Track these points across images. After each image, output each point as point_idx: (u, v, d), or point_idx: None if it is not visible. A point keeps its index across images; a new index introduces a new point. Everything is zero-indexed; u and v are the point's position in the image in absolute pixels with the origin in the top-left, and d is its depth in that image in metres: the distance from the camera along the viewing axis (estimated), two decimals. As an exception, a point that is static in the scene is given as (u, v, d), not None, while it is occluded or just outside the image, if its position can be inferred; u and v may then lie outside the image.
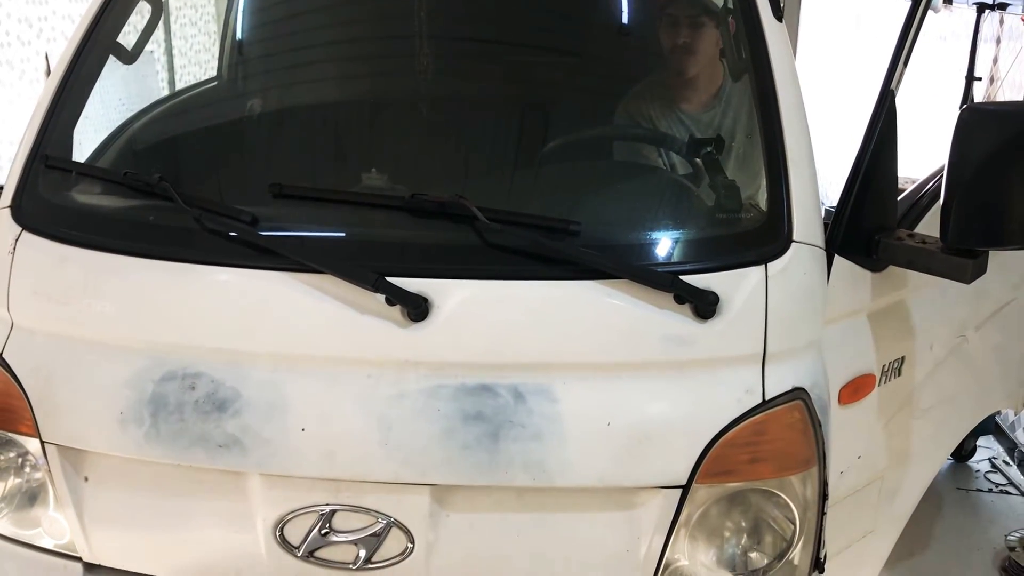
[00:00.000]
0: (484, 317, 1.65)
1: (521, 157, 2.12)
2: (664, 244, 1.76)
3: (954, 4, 4.95)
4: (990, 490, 3.72)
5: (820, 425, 1.70)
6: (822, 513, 1.72)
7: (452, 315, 1.64)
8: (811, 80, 3.11)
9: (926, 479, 2.35)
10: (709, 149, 2.04)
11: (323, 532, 1.67)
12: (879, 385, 2.01)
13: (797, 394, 1.68)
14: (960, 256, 1.74)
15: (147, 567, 1.77)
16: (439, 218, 1.73)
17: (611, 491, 1.65)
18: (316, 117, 2.31)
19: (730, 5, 2.22)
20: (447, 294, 1.65)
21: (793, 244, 1.70)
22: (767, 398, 1.65)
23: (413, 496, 1.64)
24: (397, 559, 1.67)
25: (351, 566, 1.67)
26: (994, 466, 3.89)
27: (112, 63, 2.19)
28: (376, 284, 1.61)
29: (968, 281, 1.77)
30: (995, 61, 4.51)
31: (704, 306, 1.62)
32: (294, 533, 1.67)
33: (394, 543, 1.66)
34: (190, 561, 1.74)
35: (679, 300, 1.63)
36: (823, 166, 1.89)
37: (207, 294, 1.72)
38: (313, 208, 1.84)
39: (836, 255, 1.79)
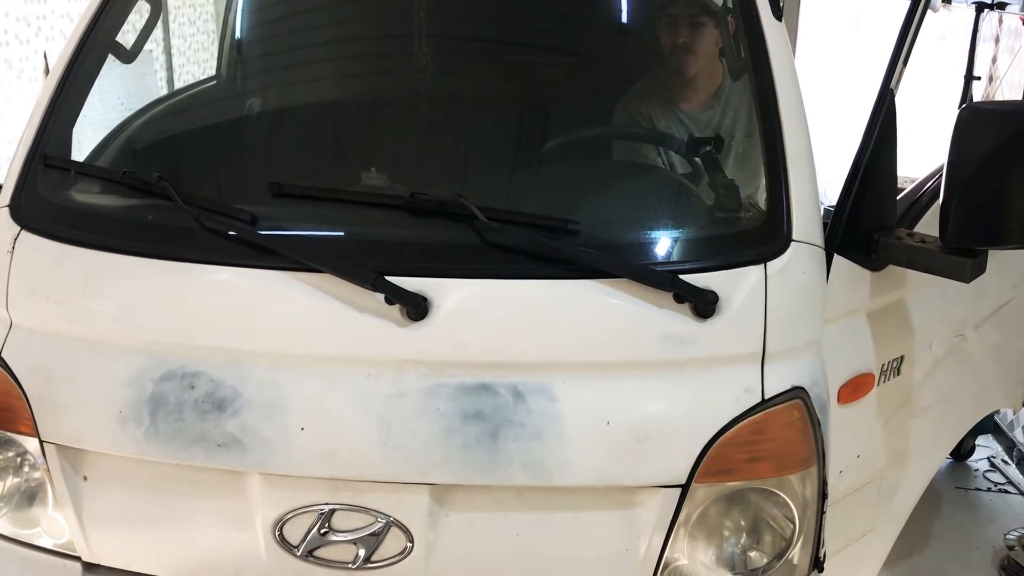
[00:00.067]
0: (483, 316, 1.65)
1: (520, 156, 2.12)
2: (663, 243, 1.76)
3: (953, 3, 4.95)
4: (989, 489, 3.72)
5: (819, 424, 1.70)
6: (821, 512, 1.73)
7: (451, 314, 1.64)
8: (810, 79, 3.11)
9: (925, 478, 2.35)
10: (708, 148, 2.04)
11: (322, 531, 1.67)
12: (878, 384, 2.01)
13: (796, 393, 1.68)
14: (959, 255, 1.74)
15: (146, 566, 1.77)
16: (438, 217, 1.73)
17: (610, 490, 1.65)
18: (315, 116, 2.31)
19: (729, 4, 2.22)
20: (446, 293, 1.65)
21: (792, 243, 1.70)
22: (766, 397, 1.65)
23: (412, 495, 1.64)
24: (396, 558, 1.67)
25: (350, 565, 1.67)
26: (993, 465, 3.89)
27: (111, 62, 2.19)
28: (375, 283, 1.61)
29: (967, 280, 1.77)
30: (994, 60, 4.51)
31: (703, 305, 1.62)
32: (293, 532, 1.67)
33: (393, 542, 1.66)
34: (189, 560, 1.74)
35: (678, 299, 1.63)
36: (822, 165, 1.89)
37: (206, 293, 1.72)
38: (312, 207, 1.84)
39: (835, 254, 1.79)
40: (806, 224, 1.73)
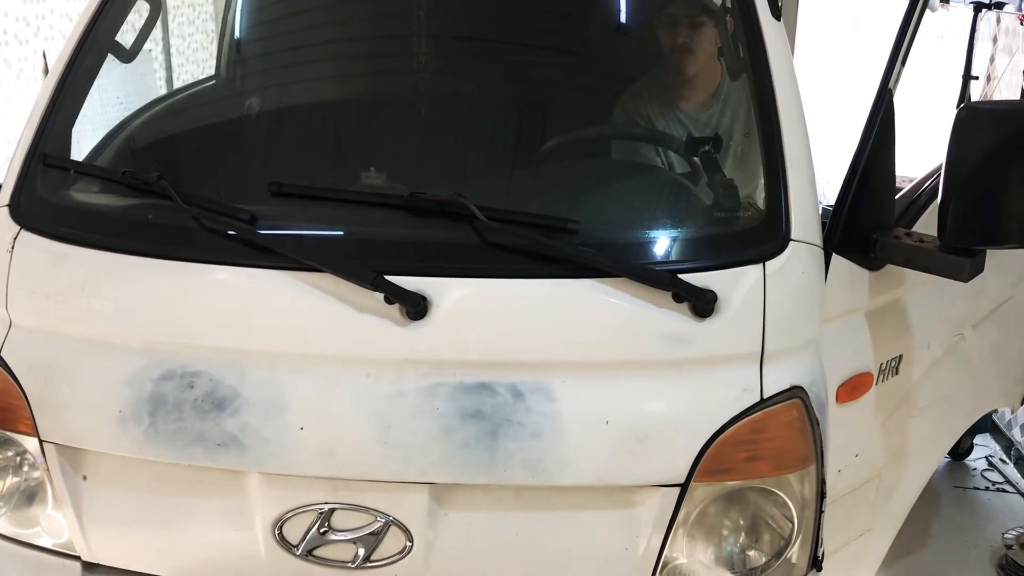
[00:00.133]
0: (483, 315, 1.65)
1: (520, 156, 2.12)
2: (662, 243, 1.77)
3: (951, 3, 4.95)
4: (987, 488, 3.73)
5: (818, 423, 1.71)
6: (820, 511, 1.73)
7: (451, 313, 1.64)
8: (809, 79, 3.11)
9: (923, 477, 2.35)
10: (707, 148, 2.05)
11: (322, 531, 1.67)
12: (877, 383, 2.01)
13: (795, 392, 1.68)
14: (957, 255, 1.74)
15: (146, 566, 1.77)
16: (438, 217, 1.73)
17: (609, 489, 1.65)
18: (315, 116, 2.31)
19: (728, 4, 2.22)
20: (446, 292, 1.65)
21: (791, 243, 1.71)
22: (765, 396, 1.65)
23: (412, 495, 1.65)
24: (396, 558, 1.67)
25: (350, 565, 1.68)
26: (991, 464, 3.89)
27: (110, 62, 2.19)
28: (375, 283, 1.62)
29: (966, 280, 1.77)
30: (992, 60, 4.51)
31: (702, 304, 1.62)
32: (293, 532, 1.67)
33: (393, 542, 1.66)
34: (189, 560, 1.74)
35: (677, 299, 1.63)
36: (821, 165, 1.89)
37: (206, 293, 1.72)
38: (312, 207, 1.84)
39: (834, 254, 1.79)
40: (805, 224, 1.73)
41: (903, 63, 1.81)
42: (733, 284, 1.65)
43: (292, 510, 1.67)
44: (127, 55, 2.33)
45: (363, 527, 1.66)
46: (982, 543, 3.34)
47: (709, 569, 1.69)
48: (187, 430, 1.67)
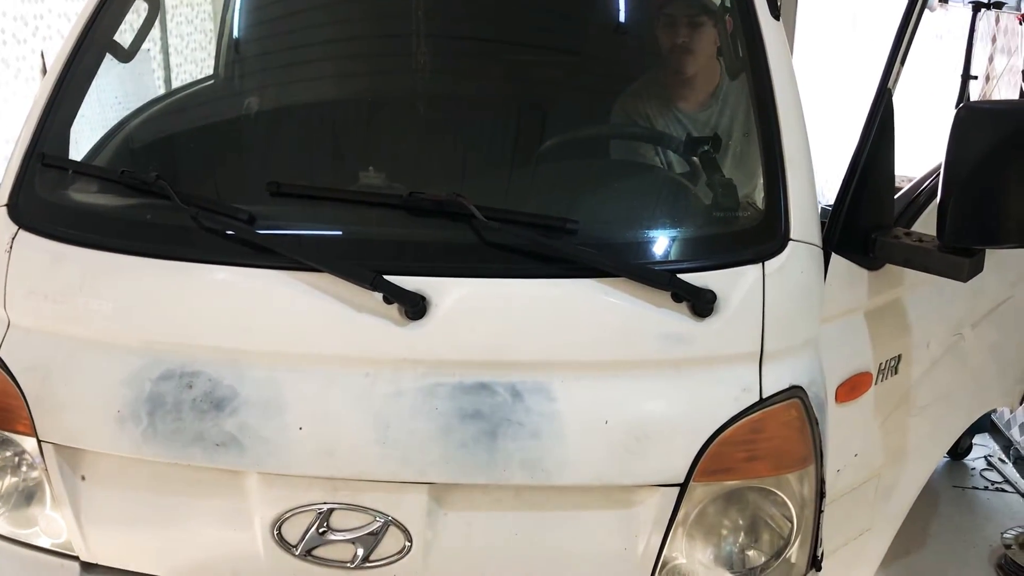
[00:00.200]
0: (482, 315, 1.65)
1: (518, 155, 2.12)
2: (661, 242, 1.77)
3: (950, 3, 4.95)
4: (986, 488, 3.73)
5: (817, 423, 1.70)
6: (819, 511, 1.73)
7: (450, 313, 1.64)
8: (808, 78, 3.11)
9: (922, 477, 2.35)
10: (706, 148, 2.05)
11: (321, 531, 1.67)
12: (876, 383, 2.01)
13: (794, 392, 1.68)
14: (957, 254, 1.74)
15: (144, 566, 1.77)
16: (437, 216, 1.73)
17: (609, 489, 1.65)
18: (313, 115, 2.31)
19: (727, 4, 2.22)
20: (445, 292, 1.65)
21: (790, 242, 1.71)
22: (764, 396, 1.65)
23: (411, 495, 1.64)
24: (395, 558, 1.67)
25: (349, 565, 1.67)
26: (990, 464, 3.89)
27: (109, 61, 2.19)
28: (374, 282, 1.61)
29: (965, 279, 1.77)
30: (991, 60, 4.51)
31: (701, 304, 1.62)
32: (292, 532, 1.67)
33: (392, 542, 1.66)
34: (188, 560, 1.74)
35: (676, 298, 1.63)
36: (820, 164, 1.89)
37: (204, 292, 1.71)
38: (310, 206, 1.84)
39: (833, 253, 1.79)
40: (804, 223, 1.73)
41: (902, 63, 1.81)
42: (732, 284, 1.65)
43: (291, 510, 1.67)
44: (125, 55, 2.33)
45: (362, 527, 1.66)
46: (981, 543, 3.34)
47: (708, 569, 1.69)
48: (186, 430, 1.66)
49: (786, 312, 1.68)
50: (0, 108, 4.39)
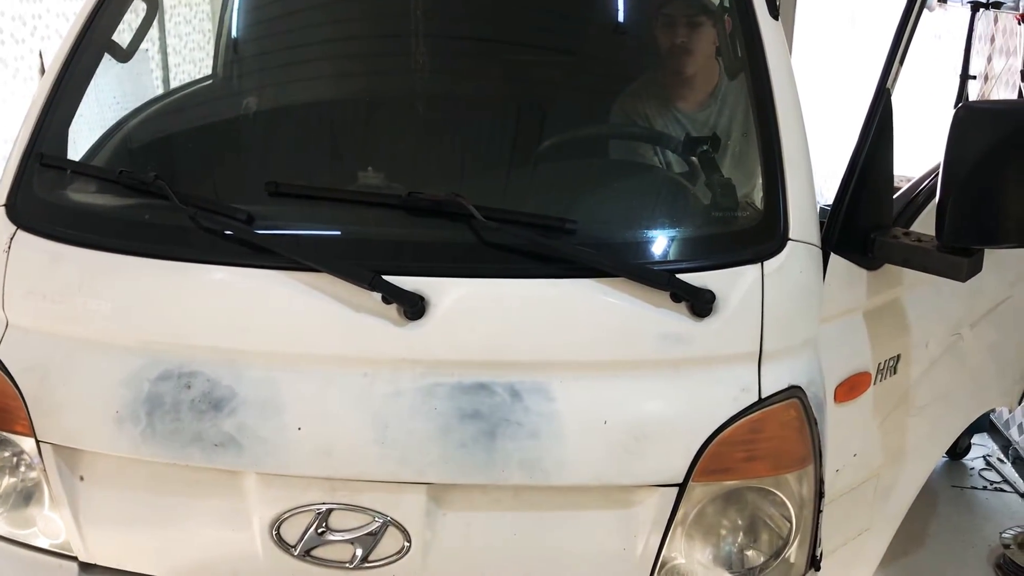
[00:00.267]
0: (481, 315, 1.65)
1: (517, 155, 2.12)
2: (660, 242, 1.76)
3: (948, 3, 4.95)
4: (985, 488, 3.73)
5: (816, 423, 1.70)
6: (818, 511, 1.73)
7: (448, 313, 1.64)
8: (807, 78, 3.11)
9: (921, 477, 2.35)
10: (705, 147, 2.04)
11: (320, 531, 1.66)
12: (875, 383, 2.01)
13: (793, 392, 1.68)
14: (956, 254, 1.74)
15: (143, 566, 1.77)
16: (435, 216, 1.73)
17: (608, 489, 1.65)
18: (312, 115, 2.31)
19: (726, 3, 2.22)
20: (444, 292, 1.64)
21: (789, 242, 1.71)
22: (763, 396, 1.65)
23: (409, 495, 1.64)
24: (394, 558, 1.67)
25: (348, 565, 1.67)
26: (989, 464, 3.89)
27: (107, 61, 2.19)
28: (372, 282, 1.61)
29: (964, 279, 1.77)
30: (989, 59, 4.51)
31: (700, 304, 1.62)
32: (291, 532, 1.67)
33: (391, 542, 1.66)
34: (186, 560, 1.74)
35: (675, 298, 1.63)
36: (819, 164, 1.89)
37: (203, 293, 1.71)
38: (309, 206, 1.84)
39: (832, 253, 1.79)
40: (803, 223, 1.73)
41: (901, 62, 1.81)
42: (731, 284, 1.65)
43: (289, 510, 1.66)
44: (124, 55, 2.32)
45: (361, 527, 1.66)
46: (980, 543, 3.34)
47: (707, 569, 1.69)
48: (184, 430, 1.66)
49: (785, 312, 1.68)
50: (-1, 108, 4.39)
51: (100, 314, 1.74)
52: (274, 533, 1.67)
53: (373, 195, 1.87)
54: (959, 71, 4.66)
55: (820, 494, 1.73)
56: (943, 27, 5.13)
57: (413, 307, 1.62)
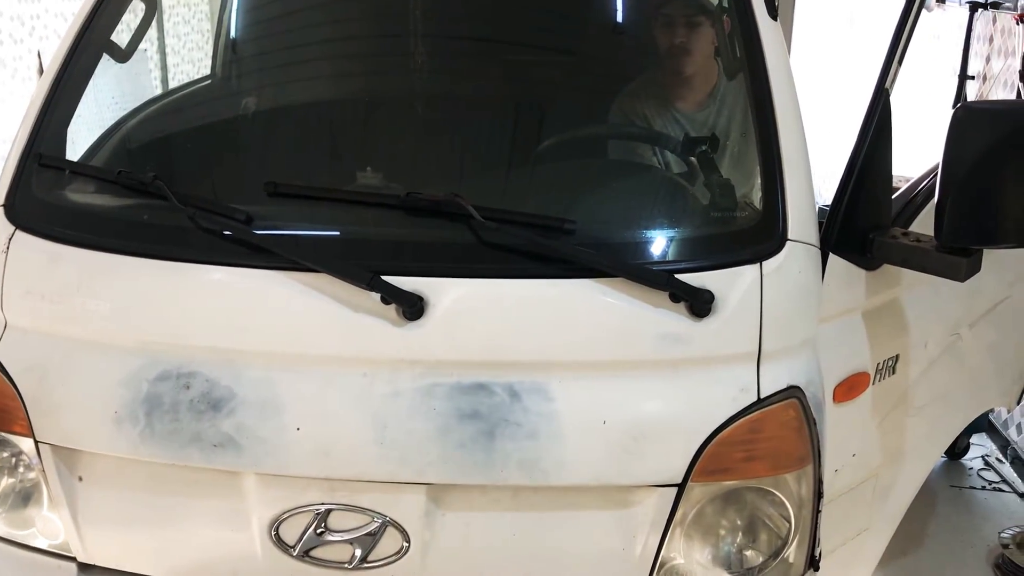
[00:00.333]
0: (480, 315, 1.65)
1: (516, 155, 2.12)
2: (659, 242, 1.76)
3: (947, 3, 4.95)
4: (983, 488, 3.73)
5: (815, 423, 1.70)
6: (817, 511, 1.73)
7: (447, 314, 1.64)
8: (805, 78, 3.11)
9: (920, 477, 2.36)
10: (704, 148, 2.04)
11: (319, 531, 1.66)
12: (873, 383, 2.01)
13: (792, 392, 1.68)
14: (954, 254, 1.74)
15: (142, 567, 1.77)
16: (434, 216, 1.72)
17: (607, 489, 1.65)
18: (311, 115, 2.31)
19: (725, 4, 2.22)
20: (442, 292, 1.64)
21: (788, 243, 1.71)
22: (762, 396, 1.65)
23: (409, 495, 1.64)
24: (393, 558, 1.66)
25: (347, 565, 1.67)
26: (987, 464, 3.90)
27: (106, 61, 2.19)
28: (371, 283, 1.61)
29: (962, 279, 1.77)
30: (988, 60, 4.51)
31: (699, 304, 1.62)
32: (290, 532, 1.67)
33: (390, 542, 1.66)
34: (185, 561, 1.74)
35: (674, 298, 1.63)
36: (817, 164, 1.89)
37: (202, 293, 1.71)
38: (308, 206, 1.84)
39: (831, 253, 1.79)
40: (801, 223, 1.73)
41: (899, 62, 1.81)
42: (730, 284, 1.65)
43: (289, 511, 1.66)
44: (122, 55, 2.32)
45: (360, 528, 1.66)
46: (979, 543, 3.34)
47: (706, 569, 1.69)
48: (183, 431, 1.66)
49: (784, 312, 1.68)
50: (-3, 108, 4.39)
51: (99, 314, 1.74)
52: (273, 533, 1.67)
53: (372, 195, 1.87)
54: (957, 71, 4.66)
55: (819, 494, 1.73)
56: (942, 27, 5.13)
57: (412, 307, 1.62)
